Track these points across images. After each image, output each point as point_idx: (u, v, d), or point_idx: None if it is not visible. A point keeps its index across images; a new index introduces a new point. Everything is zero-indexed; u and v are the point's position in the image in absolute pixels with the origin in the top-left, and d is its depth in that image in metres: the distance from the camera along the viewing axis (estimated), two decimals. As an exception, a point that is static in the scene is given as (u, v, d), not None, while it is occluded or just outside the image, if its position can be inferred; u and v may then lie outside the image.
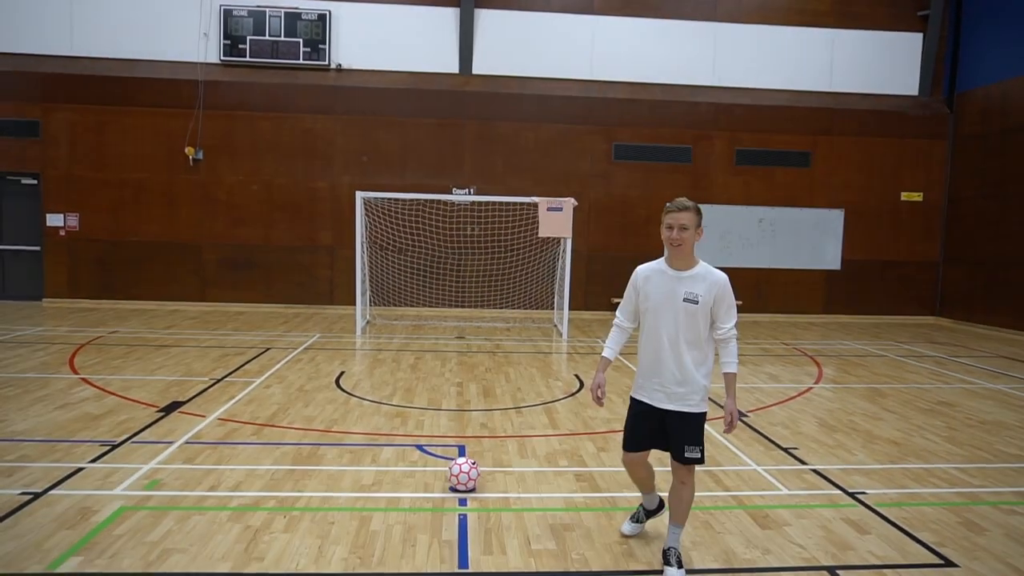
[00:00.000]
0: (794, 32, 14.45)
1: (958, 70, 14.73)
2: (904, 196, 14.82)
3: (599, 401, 3.78)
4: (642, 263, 3.66)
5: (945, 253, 14.95)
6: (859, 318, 14.78)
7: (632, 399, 3.74)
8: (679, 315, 3.50)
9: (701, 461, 3.61)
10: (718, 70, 14.39)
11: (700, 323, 3.50)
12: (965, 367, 9.82)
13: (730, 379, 3.60)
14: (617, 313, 3.82)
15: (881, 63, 14.67)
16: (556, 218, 11.48)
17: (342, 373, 8.34)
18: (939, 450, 5.95)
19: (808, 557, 3.90)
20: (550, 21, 14.04)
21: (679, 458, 3.59)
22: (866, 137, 14.61)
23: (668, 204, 3.53)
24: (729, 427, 3.58)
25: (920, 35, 14.66)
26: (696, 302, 3.47)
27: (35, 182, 13.52)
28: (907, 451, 5.90)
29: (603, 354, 3.83)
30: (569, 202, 11.57)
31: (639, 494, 4.73)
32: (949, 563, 3.87)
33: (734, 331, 3.54)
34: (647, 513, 4.09)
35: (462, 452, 5.57)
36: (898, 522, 4.39)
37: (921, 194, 14.85)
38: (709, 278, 3.50)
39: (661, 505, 4.09)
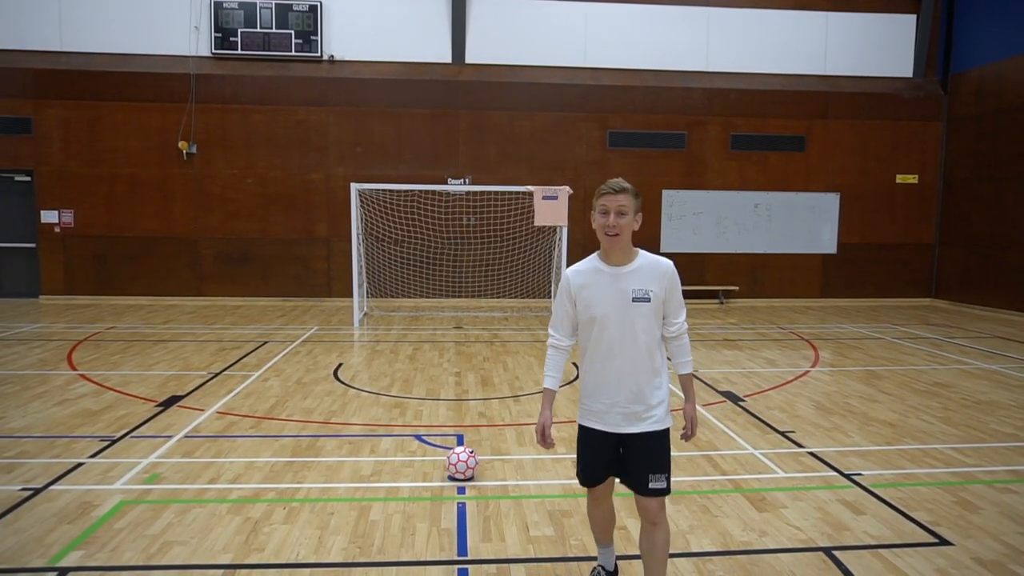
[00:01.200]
0: (787, 16, 14.39)
1: (952, 51, 14.70)
2: (899, 179, 14.83)
3: (545, 443, 3.13)
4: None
5: (941, 235, 14.97)
6: (856, 301, 14.82)
7: (581, 427, 3.14)
8: (632, 319, 2.93)
9: (668, 491, 3.00)
10: (711, 55, 14.35)
11: (654, 323, 2.98)
12: (961, 348, 9.86)
13: (687, 380, 3.13)
14: (550, 331, 3.14)
15: (875, 45, 14.63)
16: (552, 206, 11.47)
17: (340, 365, 8.36)
18: (934, 431, 5.99)
19: (805, 539, 3.93)
20: (542, 8, 13.97)
21: (642, 490, 2.98)
22: (861, 120, 14.59)
23: (602, 186, 2.96)
24: (688, 434, 3.12)
25: (914, 17, 14.62)
26: (648, 299, 2.93)
27: (28, 179, 13.47)
28: (903, 432, 5.94)
29: (545, 385, 3.16)
30: (564, 190, 11.56)
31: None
32: (944, 541, 3.91)
33: (686, 325, 3.08)
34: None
35: (460, 441, 5.59)
36: (894, 502, 4.43)
37: (916, 176, 14.86)
38: (657, 269, 2.97)
39: (617, 570, 3.49)
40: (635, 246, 3.00)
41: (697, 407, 3.23)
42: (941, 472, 5.01)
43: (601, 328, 2.97)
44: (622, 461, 3.06)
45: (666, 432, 3.04)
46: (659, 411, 3.01)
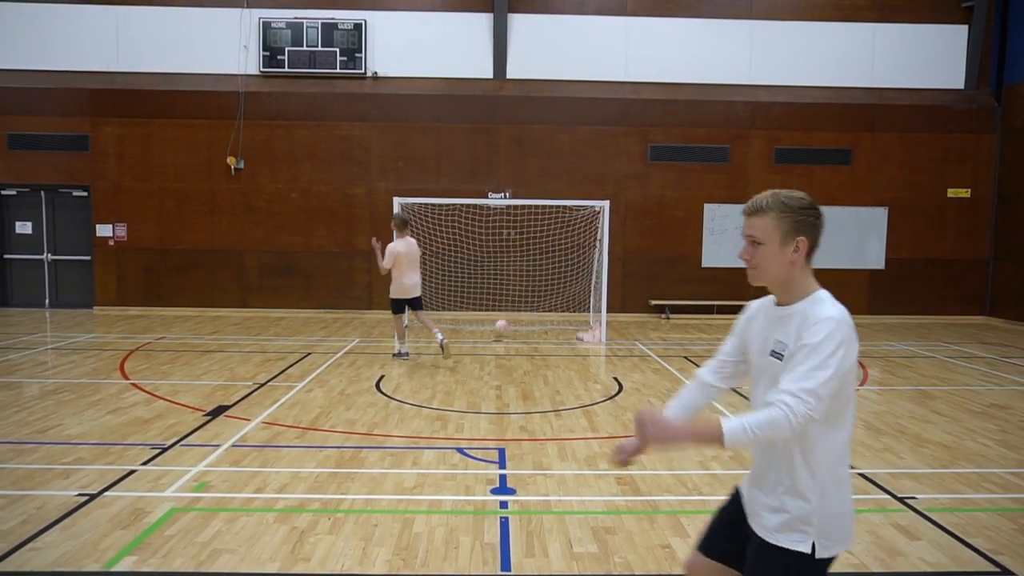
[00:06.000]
0: (833, 28, 14.17)
1: (1006, 62, 14.28)
2: (951, 192, 14.42)
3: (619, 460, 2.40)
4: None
5: (995, 251, 14.49)
6: (905, 318, 14.41)
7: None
8: (767, 378, 2.19)
9: None
10: (754, 68, 14.20)
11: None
12: (1018, 368, 9.50)
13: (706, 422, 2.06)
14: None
15: (925, 57, 14.30)
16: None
17: (382, 377, 8.44)
18: (992, 454, 5.77)
19: (857, 563, 3.82)
20: (583, 23, 14.03)
21: None
22: (910, 133, 14.26)
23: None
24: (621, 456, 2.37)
25: (965, 27, 14.26)
26: (782, 357, 2.12)
27: (85, 194, 13.98)
28: (958, 455, 5.74)
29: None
30: (603, 205, 11.49)
31: (679, 497, 4.70)
32: (1006, 571, 3.75)
33: (791, 401, 1.96)
34: None
35: (502, 455, 5.59)
36: (950, 528, 4.27)
37: (969, 190, 14.43)
38: (806, 317, 2.10)
39: None
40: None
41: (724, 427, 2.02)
42: (1001, 498, 4.82)
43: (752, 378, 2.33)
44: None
45: (781, 553, 2.12)
46: (774, 517, 2.14)
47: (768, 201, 2.15)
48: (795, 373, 1.99)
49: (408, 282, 9.36)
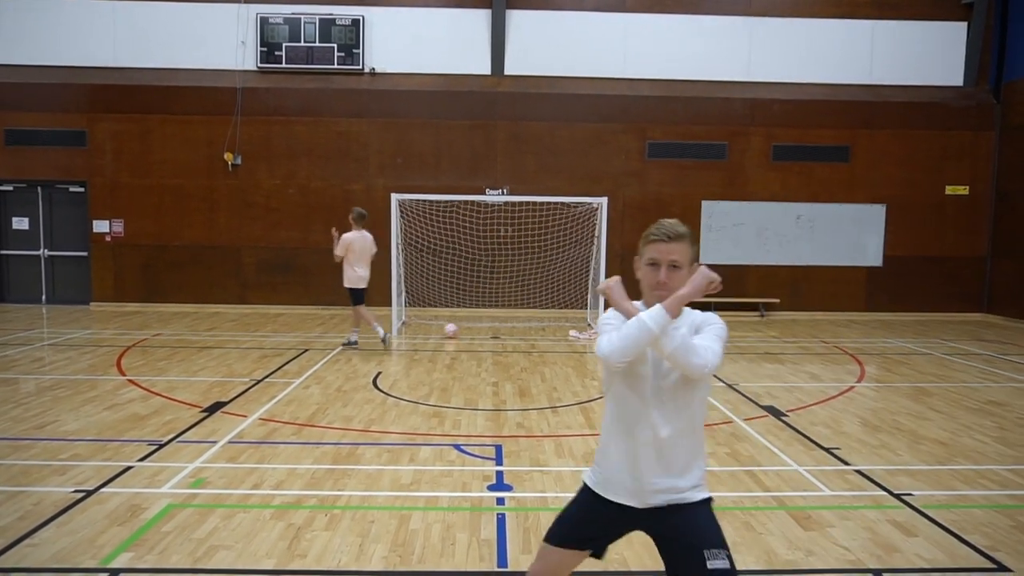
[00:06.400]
0: (831, 24, 14.15)
1: (1005, 59, 14.27)
2: (949, 190, 14.42)
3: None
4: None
5: (993, 248, 14.50)
6: (902, 315, 14.43)
7: None
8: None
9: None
10: (753, 65, 14.18)
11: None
12: (1016, 365, 9.51)
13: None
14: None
15: (923, 54, 14.28)
16: None
17: (379, 373, 8.43)
18: (989, 451, 5.78)
19: (853, 559, 3.82)
20: (582, 20, 14.00)
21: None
22: (908, 130, 14.25)
23: (651, 229, 2.54)
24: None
25: (964, 24, 14.24)
26: None
27: (82, 190, 13.94)
28: (955, 452, 5.74)
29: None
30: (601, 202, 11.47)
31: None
32: (1002, 567, 3.76)
33: (711, 345, 2.38)
34: None
35: (499, 452, 5.59)
36: (947, 524, 4.28)
37: (967, 187, 14.43)
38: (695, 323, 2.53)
39: None
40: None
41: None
42: (997, 494, 4.83)
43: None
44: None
45: (705, 504, 2.58)
46: (694, 488, 2.57)
47: (684, 229, 2.50)
48: (707, 336, 2.43)
49: (360, 272, 9.85)
